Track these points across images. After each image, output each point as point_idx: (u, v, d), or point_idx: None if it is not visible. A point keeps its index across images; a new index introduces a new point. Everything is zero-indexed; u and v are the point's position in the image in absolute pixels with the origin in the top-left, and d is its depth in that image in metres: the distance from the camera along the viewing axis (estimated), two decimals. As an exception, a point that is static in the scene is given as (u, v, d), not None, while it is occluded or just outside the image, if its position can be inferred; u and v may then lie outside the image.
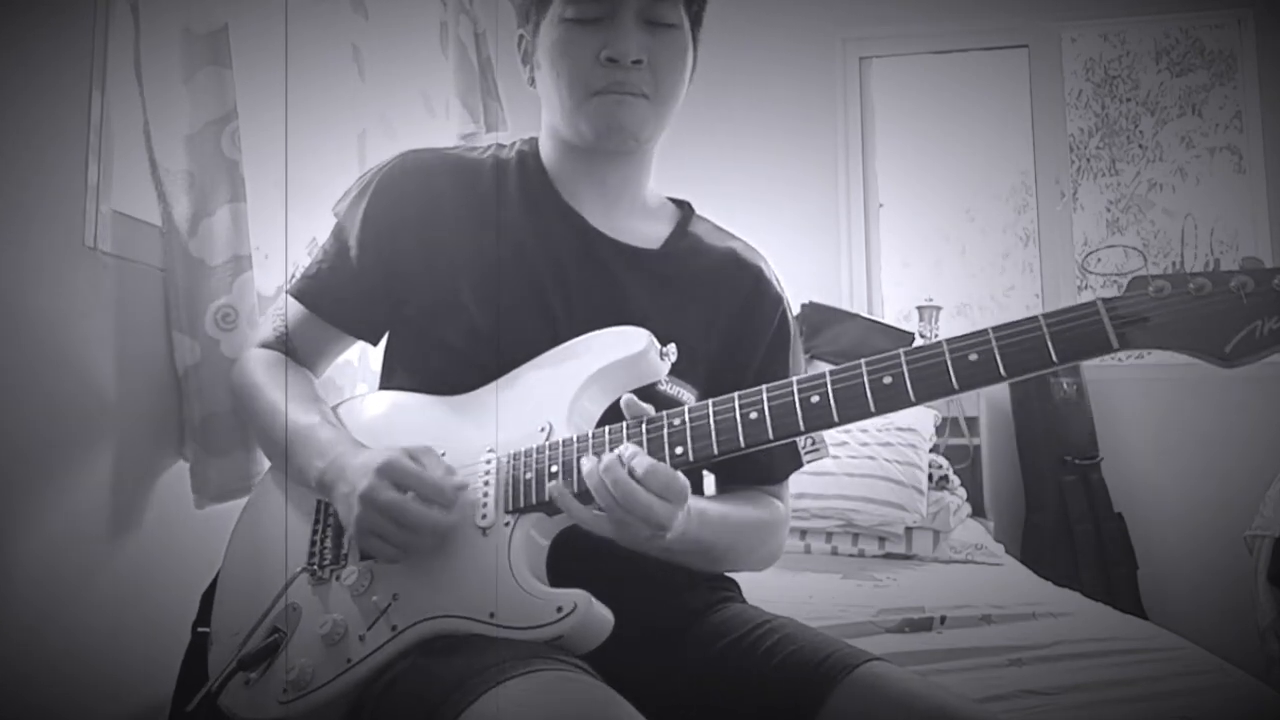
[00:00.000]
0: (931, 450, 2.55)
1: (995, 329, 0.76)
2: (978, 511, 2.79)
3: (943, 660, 1.38)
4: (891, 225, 3.46)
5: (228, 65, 1.34)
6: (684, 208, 1.14)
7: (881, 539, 2.32)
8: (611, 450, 0.80)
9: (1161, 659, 1.35)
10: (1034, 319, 0.75)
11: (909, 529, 2.32)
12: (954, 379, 0.76)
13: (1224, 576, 2.77)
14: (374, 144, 1.83)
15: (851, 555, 2.31)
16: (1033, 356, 0.74)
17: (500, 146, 1.10)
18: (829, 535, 2.34)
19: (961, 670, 1.34)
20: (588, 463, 0.80)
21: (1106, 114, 3.66)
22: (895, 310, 3.35)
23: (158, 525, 1.31)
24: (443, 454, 0.88)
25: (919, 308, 3.10)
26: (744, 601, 1.05)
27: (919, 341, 2.94)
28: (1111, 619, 1.63)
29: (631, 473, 0.77)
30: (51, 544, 1.14)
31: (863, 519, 2.29)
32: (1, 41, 1.07)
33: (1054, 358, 0.74)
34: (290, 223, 1.55)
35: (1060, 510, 2.93)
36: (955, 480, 2.58)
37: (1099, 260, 3.48)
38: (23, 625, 1.08)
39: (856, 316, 2.96)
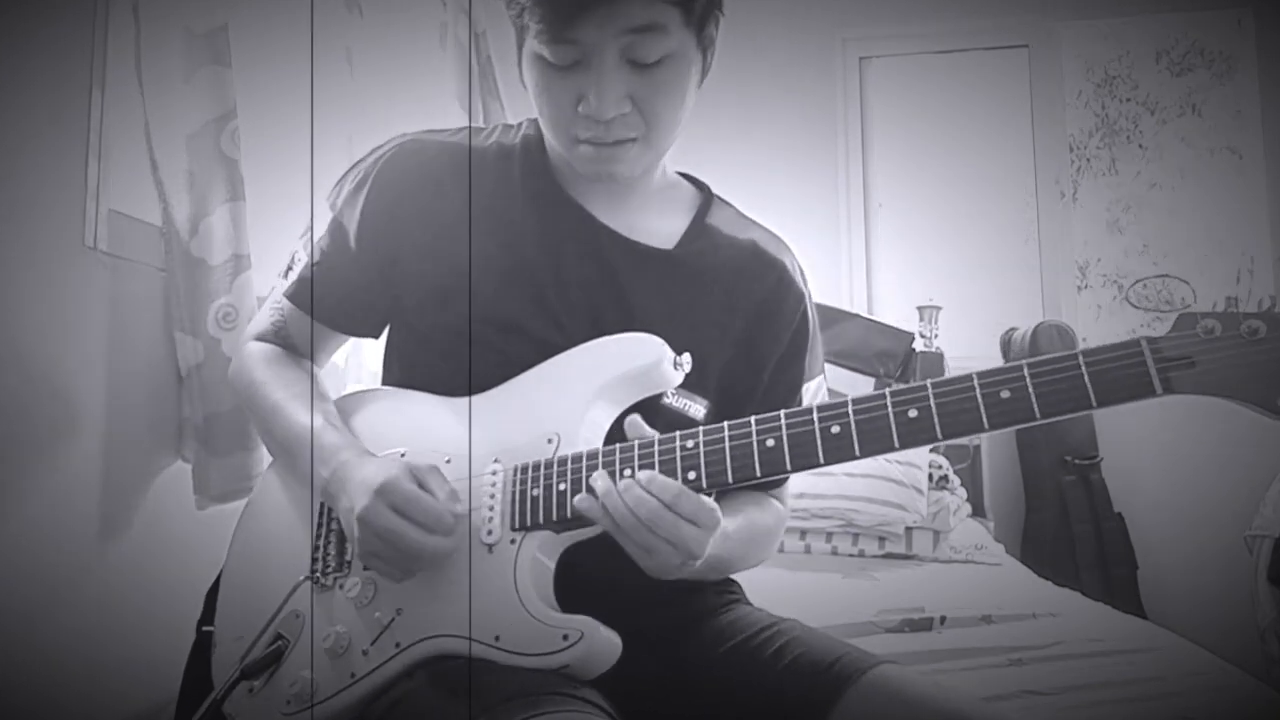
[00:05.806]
0: (931, 450, 2.55)
1: (1030, 364, 0.70)
2: (978, 511, 2.79)
3: (943, 660, 1.38)
4: (891, 225, 3.46)
5: (227, 64, 1.34)
6: (703, 191, 1.07)
7: (881, 539, 2.32)
8: (621, 468, 0.78)
9: (1161, 659, 1.35)
10: (1073, 356, 0.69)
11: (909, 529, 2.32)
12: (985, 418, 0.70)
13: (1224, 576, 2.76)
14: (364, 145, 1.82)
15: (851, 555, 2.30)
16: (1069, 398, 0.69)
17: (507, 129, 1.03)
18: (829, 535, 2.34)
19: (961, 670, 1.33)
20: (602, 482, 0.76)
21: (1106, 114, 3.66)
22: (895, 310, 3.34)
23: (156, 526, 1.31)
24: (447, 460, 0.86)
25: (919, 308, 3.09)
26: (749, 604, 1.04)
27: (919, 342, 2.96)
28: (1111, 619, 1.63)
29: (657, 497, 0.74)
30: (42, 544, 1.14)
31: (863, 519, 2.29)
32: (2, 41, 1.07)
33: (1093, 400, 0.68)
34: (285, 223, 1.55)
35: (1060, 510, 2.93)
36: (955, 480, 2.57)
37: (1100, 261, 3.48)
38: (9, 628, 1.08)
39: (856, 317, 2.96)
